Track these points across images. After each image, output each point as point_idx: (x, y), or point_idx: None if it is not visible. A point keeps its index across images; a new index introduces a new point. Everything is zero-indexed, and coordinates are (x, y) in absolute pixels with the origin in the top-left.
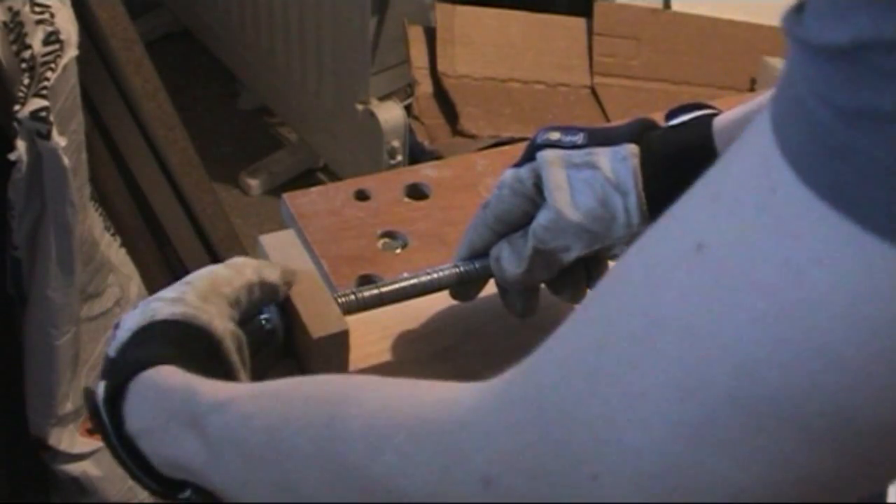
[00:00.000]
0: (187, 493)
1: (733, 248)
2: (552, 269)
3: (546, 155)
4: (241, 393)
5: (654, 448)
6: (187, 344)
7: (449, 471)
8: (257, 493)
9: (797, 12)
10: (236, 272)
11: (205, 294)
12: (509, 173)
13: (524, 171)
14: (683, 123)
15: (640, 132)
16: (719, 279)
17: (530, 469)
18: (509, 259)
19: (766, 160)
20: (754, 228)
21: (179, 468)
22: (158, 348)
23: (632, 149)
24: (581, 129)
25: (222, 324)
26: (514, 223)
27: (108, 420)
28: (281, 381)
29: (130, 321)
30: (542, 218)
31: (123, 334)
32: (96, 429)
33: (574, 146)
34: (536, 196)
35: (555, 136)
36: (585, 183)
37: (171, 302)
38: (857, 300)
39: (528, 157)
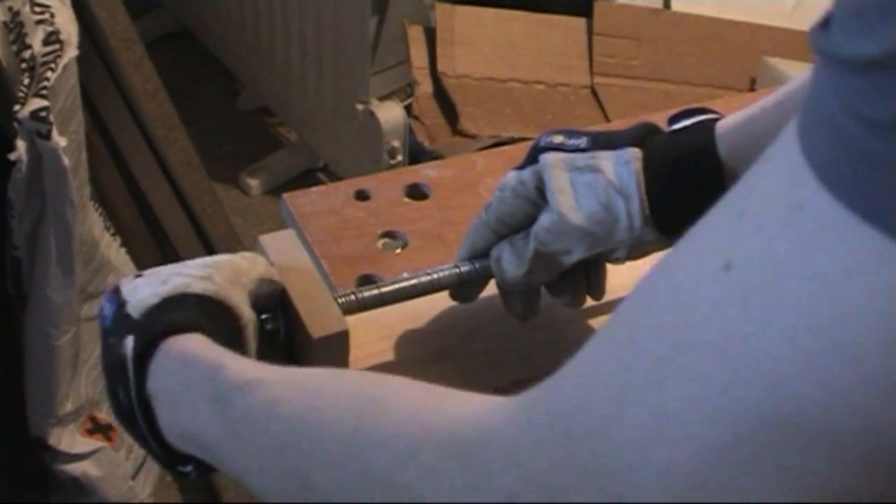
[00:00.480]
0: (189, 468)
1: (761, 264)
2: (553, 272)
3: (549, 158)
4: (268, 376)
5: (681, 468)
6: (216, 321)
7: (474, 488)
8: (272, 482)
9: (823, 28)
10: (252, 264)
11: (231, 279)
12: (512, 175)
13: (526, 173)
14: (686, 128)
15: (643, 136)
16: (748, 297)
17: (556, 489)
18: (510, 260)
19: (792, 176)
20: (782, 244)
21: (191, 439)
22: (192, 316)
23: (634, 153)
24: (584, 133)
25: (247, 310)
26: (516, 225)
27: (133, 376)
28: (310, 370)
29: (150, 289)
30: (545, 220)
31: (151, 299)
32: (112, 382)
33: (577, 149)
34: (538, 199)
35: (558, 139)
36: (588, 186)
37: (200, 279)
38: (890, 312)
39: (531, 159)
